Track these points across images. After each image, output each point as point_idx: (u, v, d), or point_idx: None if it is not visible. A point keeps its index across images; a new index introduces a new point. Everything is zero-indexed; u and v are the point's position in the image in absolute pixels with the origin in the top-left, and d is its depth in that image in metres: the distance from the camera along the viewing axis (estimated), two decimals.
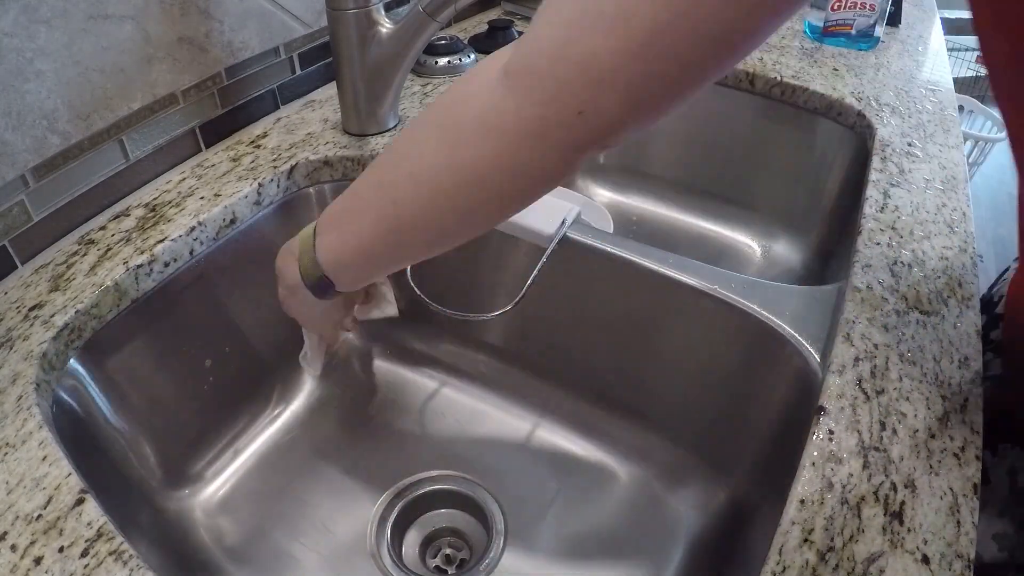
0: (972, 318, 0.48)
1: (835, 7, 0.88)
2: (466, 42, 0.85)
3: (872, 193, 0.60)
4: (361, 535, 0.57)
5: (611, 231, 0.67)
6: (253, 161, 0.63)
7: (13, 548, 0.34)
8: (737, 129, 0.85)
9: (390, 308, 0.58)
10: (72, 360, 0.48)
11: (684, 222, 0.90)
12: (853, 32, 0.89)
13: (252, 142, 0.67)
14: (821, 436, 0.39)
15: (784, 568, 0.33)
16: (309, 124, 0.70)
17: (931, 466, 0.38)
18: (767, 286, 0.53)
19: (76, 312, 0.48)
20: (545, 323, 0.66)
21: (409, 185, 0.38)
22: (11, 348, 0.45)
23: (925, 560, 0.33)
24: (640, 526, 0.59)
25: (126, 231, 0.55)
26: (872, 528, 0.35)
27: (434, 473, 0.62)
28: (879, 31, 0.89)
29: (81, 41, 0.51)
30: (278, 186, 0.62)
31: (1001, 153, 2.11)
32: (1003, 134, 1.36)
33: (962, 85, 2.29)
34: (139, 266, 0.52)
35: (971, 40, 2.09)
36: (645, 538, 0.58)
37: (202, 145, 0.65)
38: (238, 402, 0.64)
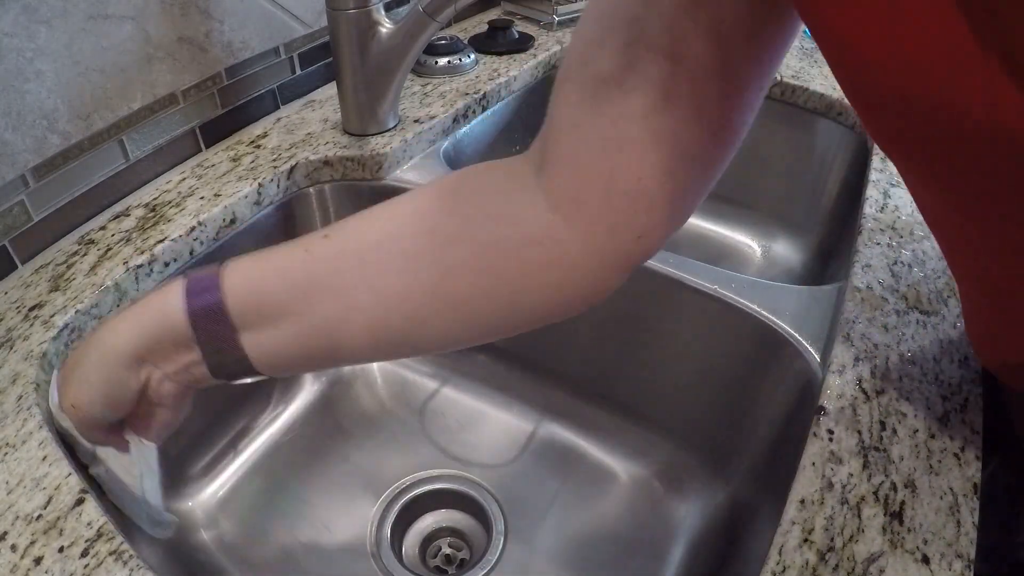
0: None
1: None
2: (466, 42, 0.85)
3: (872, 193, 0.60)
4: (361, 535, 0.57)
5: None
6: (253, 161, 0.63)
7: (13, 548, 0.34)
8: None
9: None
10: None
11: None
12: None
13: (252, 142, 0.67)
14: (821, 436, 0.39)
15: (784, 568, 0.33)
16: (309, 124, 0.70)
17: (931, 466, 0.38)
18: (767, 286, 0.53)
19: (76, 312, 0.48)
20: None
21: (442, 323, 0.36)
22: (11, 348, 0.45)
23: (925, 560, 0.33)
24: (640, 526, 0.59)
25: (126, 231, 0.55)
26: (872, 528, 0.35)
27: (434, 473, 0.62)
28: None
29: (81, 41, 0.51)
30: (278, 186, 0.62)
31: None
32: None
33: None
34: (139, 266, 0.52)
35: None
36: (645, 538, 0.58)
37: (202, 145, 0.65)
38: (238, 402, 0.64)
